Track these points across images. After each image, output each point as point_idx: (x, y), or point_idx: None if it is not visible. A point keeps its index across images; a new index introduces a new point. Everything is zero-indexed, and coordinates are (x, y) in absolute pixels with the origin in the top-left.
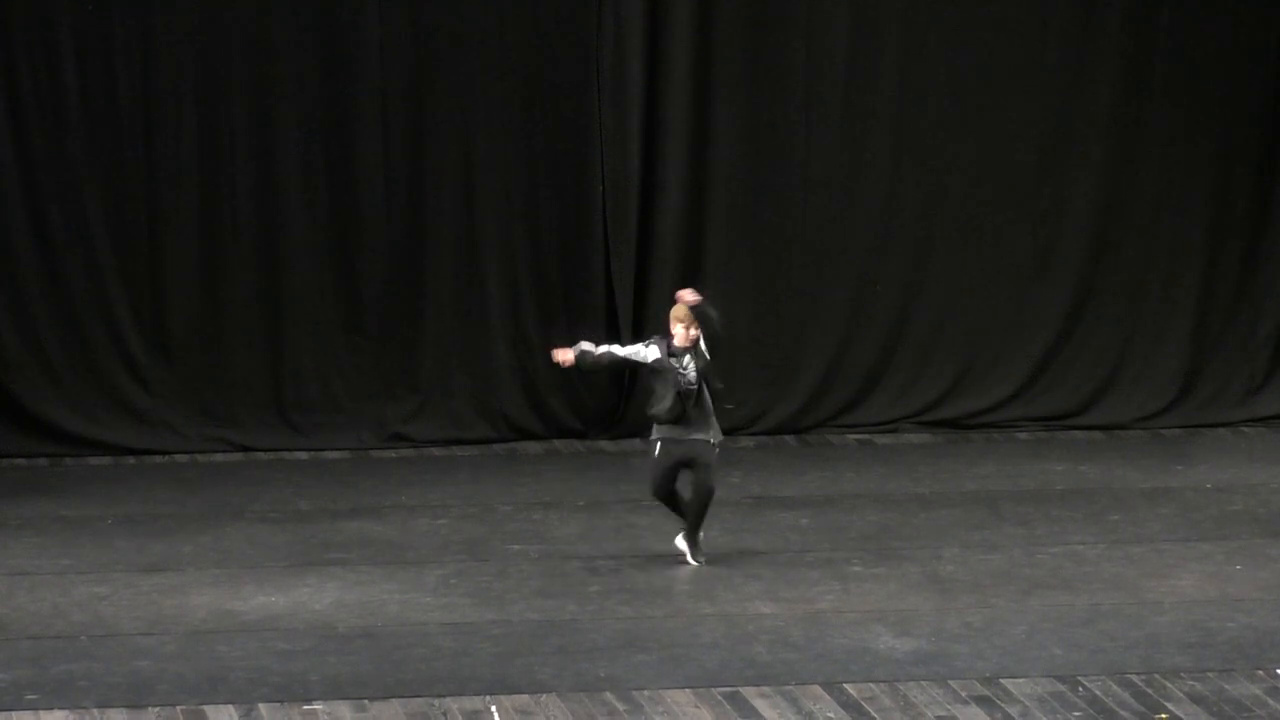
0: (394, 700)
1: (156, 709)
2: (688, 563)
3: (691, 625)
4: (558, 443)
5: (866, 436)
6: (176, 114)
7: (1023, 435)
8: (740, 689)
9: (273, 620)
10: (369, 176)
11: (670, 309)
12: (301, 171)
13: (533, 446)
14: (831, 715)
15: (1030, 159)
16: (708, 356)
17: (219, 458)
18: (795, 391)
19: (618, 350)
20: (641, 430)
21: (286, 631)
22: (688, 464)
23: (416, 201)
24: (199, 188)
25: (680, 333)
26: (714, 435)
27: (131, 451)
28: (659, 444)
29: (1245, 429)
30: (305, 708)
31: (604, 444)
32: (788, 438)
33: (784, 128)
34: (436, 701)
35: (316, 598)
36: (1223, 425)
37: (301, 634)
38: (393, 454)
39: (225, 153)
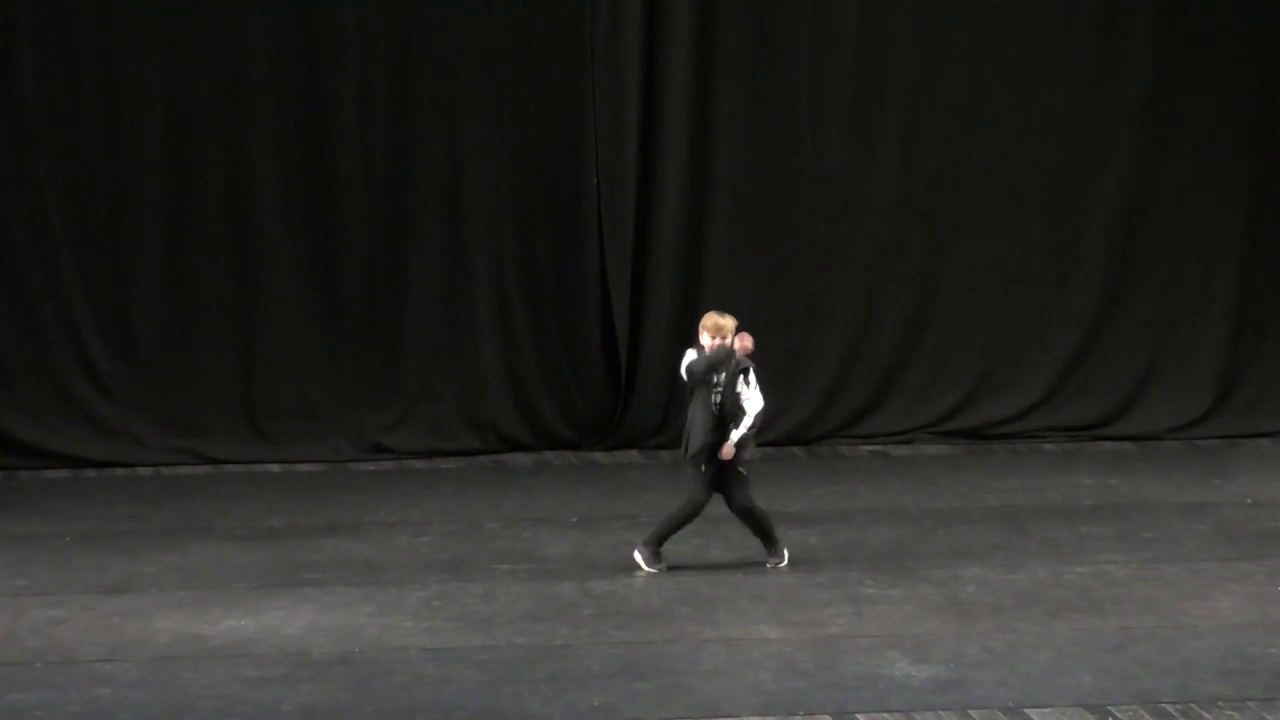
0: None
1: None
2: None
3: (692, 651)
4: (549, 454)
5: (880, 447)
6: (140, 101)
7: (1048, 446)
8: (744, 719)
9: (242, 646)
10: (347, 168)
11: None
12: (275, 162)
13: (522, 458)
14: None
15: (1054, 149)
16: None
17: (185, 470)
18: (803, 399)
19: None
20: (638, 440)
21: (257, 658)
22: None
23: (398, 195)
24: (164, 178)
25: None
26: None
27: (91, 464)
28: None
29: None
30: None
31: (598, 456)
32: (795, 449)
33: (790, 117)
34: None
35: (289, 621)
36: (1264, 435)
37: (273, 660)
38: (372, 466)
39: (193, 141)
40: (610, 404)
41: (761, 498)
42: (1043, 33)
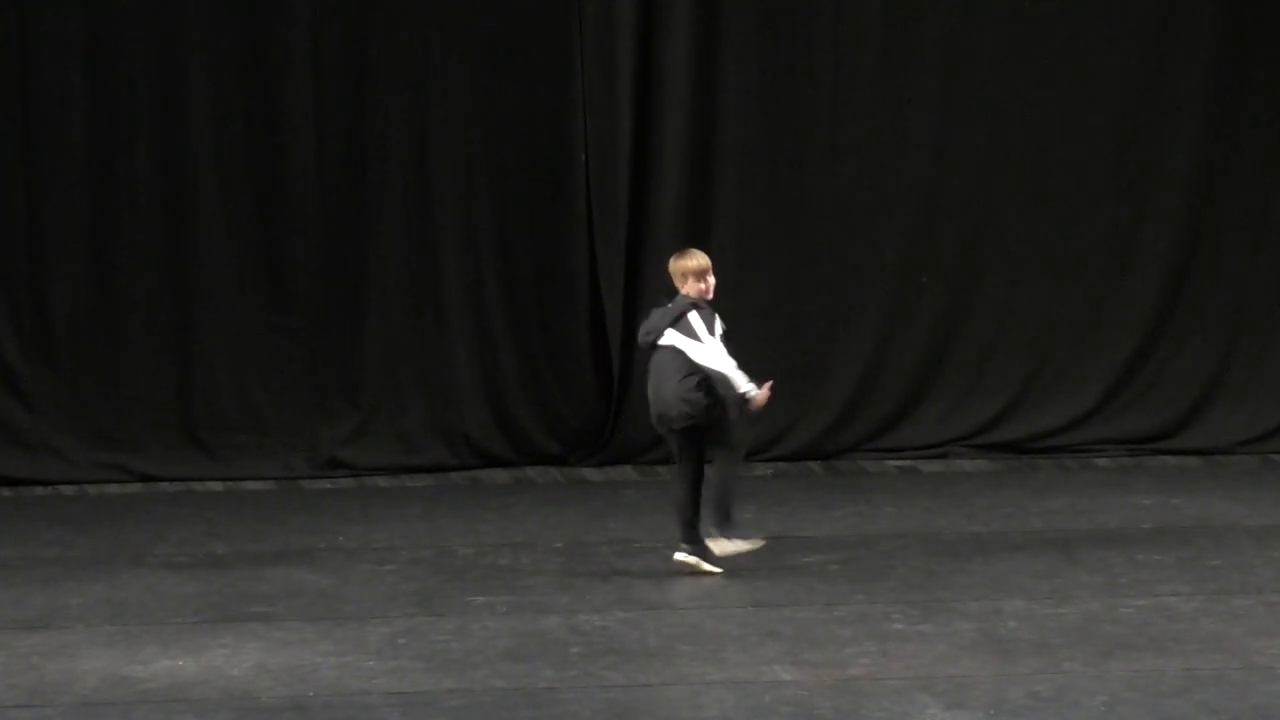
0: None
1: None
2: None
3: (695, 695)
4: (531, 470)
5: (909, 463)
6: (61, 62)
7: (1101, 462)
8: None
9: (180, 689)
10: (298, 140)
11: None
12: (214, 133)
13: (500, 475)
14: None
15: (1111, 123)
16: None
17: (114, 489)
18: (822, 408)
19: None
20: (632, 454)
21: (197, 703)
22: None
23: (356, 172)
24: (88, 155)
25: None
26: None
27: (6, 481)
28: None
29: None
30: None
31: (587, 472)
32: (813, 464)
33: (808, 82)
34: None
35: (234, 661)
36: None
37: (215, 706)
38: (328, 484)
39: (120, 110)
40: (600, 414)
41: (774, 520)
42: None
